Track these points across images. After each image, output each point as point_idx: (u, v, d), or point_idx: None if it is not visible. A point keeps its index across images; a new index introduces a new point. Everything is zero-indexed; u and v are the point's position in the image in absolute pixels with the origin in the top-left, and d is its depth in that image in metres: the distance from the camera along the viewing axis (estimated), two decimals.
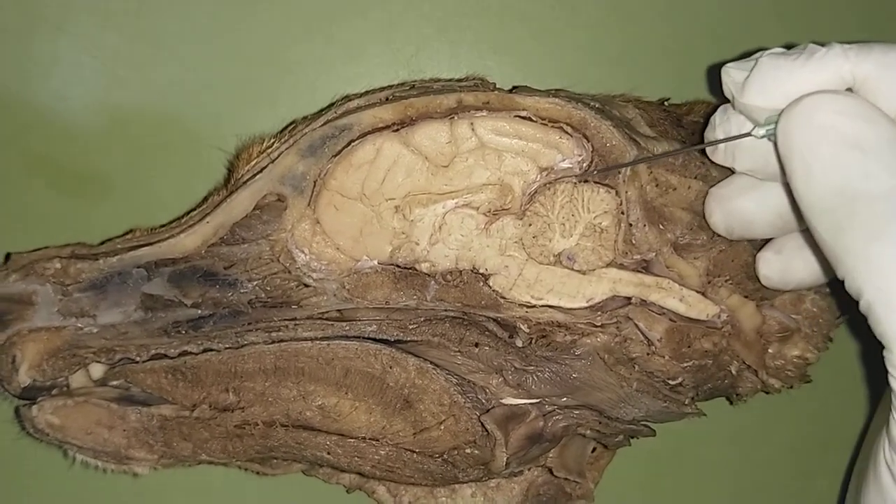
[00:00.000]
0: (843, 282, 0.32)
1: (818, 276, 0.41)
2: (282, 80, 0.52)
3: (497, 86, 0.43)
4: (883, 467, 0.33)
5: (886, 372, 0.31)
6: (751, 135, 0.36)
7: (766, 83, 0.35)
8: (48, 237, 0.46)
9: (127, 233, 0.45)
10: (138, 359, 0.43)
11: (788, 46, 0.36)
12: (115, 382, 0.44)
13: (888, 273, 0.30)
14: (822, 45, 0.34)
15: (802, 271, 0.41)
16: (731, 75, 0.36)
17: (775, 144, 0.34)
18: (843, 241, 0.31)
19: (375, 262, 0.42)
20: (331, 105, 0.44)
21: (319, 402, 0.43)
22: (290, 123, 0.45)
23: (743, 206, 0.39)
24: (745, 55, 0.37)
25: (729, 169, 0.40)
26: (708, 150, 0.39)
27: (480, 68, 0.52)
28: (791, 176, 0.33)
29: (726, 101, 0.38)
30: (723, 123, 0.38)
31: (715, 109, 0.39)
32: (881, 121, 0.32)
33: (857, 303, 0.32)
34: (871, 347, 0.32)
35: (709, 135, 0.39)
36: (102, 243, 0.44)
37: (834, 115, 0.32)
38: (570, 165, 0.41)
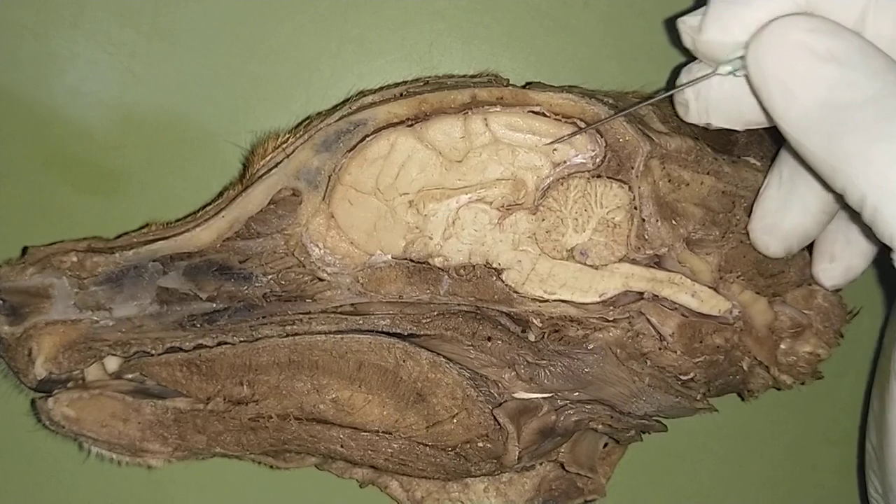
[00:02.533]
0: (842, 196, 0.32)
1: (870, 256, 0.42)
2: (296, 76, 0.53)
3: (510, 82, 0.44)
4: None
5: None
6: (717, 73, 0.36)
7: (722, 18, 0.35)
8: (64, 232, 0.47)
9: (142, 227, 0.45)
10: (153, 352, 0.43)
11: None
12: (130, 375, 0.45)
13: (891, 171, 0.30)
14: None
15: (859, 261, 0.42)
16: (687, 22, 0.37)
17: (747, 77, 0.35)
18: (840, 151, 0.32)
19: (389, 257, 0.42)
20: (345, 101, 0.44)
21: (333, 396, 0.43)
22: (305, 119, 0.46)
23: (793, 224, 0.40)
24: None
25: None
26: (680, 111, 0.40)
27: (493, 64, 0.52)
28: (770, 101, 0.33)
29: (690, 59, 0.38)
30: (688, 78, 0.38)
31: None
32: (846, 33, 0.32)
33: (859, 215, 0.32)
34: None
35: (676, 96, 0.39)
36: (118, 237, 0.44)
37: (803, 33, 0.32)
38: (584, 161, 0.41)
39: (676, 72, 0.40)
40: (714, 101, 0.38)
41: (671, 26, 0.38)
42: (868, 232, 0.33)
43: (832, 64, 0.32)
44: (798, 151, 0.34)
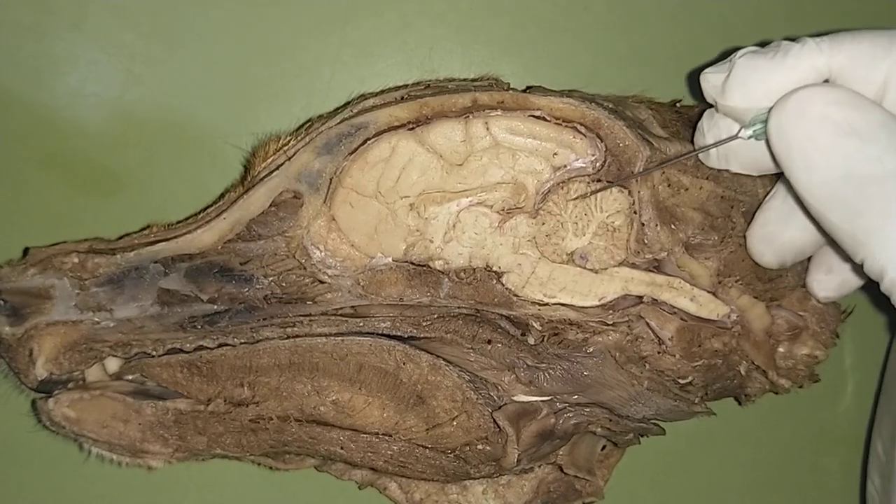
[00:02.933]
0: (861, 265, 0.33)
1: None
2: (297, 78, 0.53)
3: (511, 86, 0.44)
4: None
5: None
6: (738, 137, 0.36)
7: (745, 84, 0.36)
8: (65, 234, 0.47)
9: (144, 228, 0.45)
10: (154, 353, 0.43)
11: (761, 44, 0.37)
12: (130, 376, 0.45)
13: None
14: (794, 40, 0.35)
15: (855, 277, 0.42)
16: (710, 80, 0.37)
17: (768, 143, 0.35)
18: (860, 224, 0.32)
19: (390, 260, 0.43)
20: (347, 104, 0.44)
21: (333, 398, 0.43)
22: (307, 122, 0.46)
23: (790, 238, 0.40)
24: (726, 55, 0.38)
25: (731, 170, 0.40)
26: (701, 156, 0.40)
27: (493, 68, 0.52)
28: (791, 170, 0.34)
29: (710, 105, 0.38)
30: (711, 128, 0.39)
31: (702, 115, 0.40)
32: (869, 106, 0.33)
33: (877, 284, 0.33)
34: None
35: (698, 140, 0.40)
36: (120, 239, 0.45)
37: (826, 105, 0.33)
38: (584, 165, 0.41)
39: (694, 78, 0.40)
40: (734, 153, 0.39)
41: (694, 77, 0.39)
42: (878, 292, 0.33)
43: (854, 137, 0.32)
44: (817, 219, 0.34)
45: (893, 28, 0.34)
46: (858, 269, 0.41)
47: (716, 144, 0.38)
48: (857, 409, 0.58)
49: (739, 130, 0.36)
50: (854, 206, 0.32)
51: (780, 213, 0.40)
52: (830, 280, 0.43)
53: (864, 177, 0.32)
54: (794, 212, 0.39)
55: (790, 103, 0.34)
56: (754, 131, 0.36)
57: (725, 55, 0.38)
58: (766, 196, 0.42)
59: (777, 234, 0.41)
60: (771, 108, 0.35)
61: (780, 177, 0.41)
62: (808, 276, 0.44)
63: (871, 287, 0.34)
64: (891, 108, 0.34)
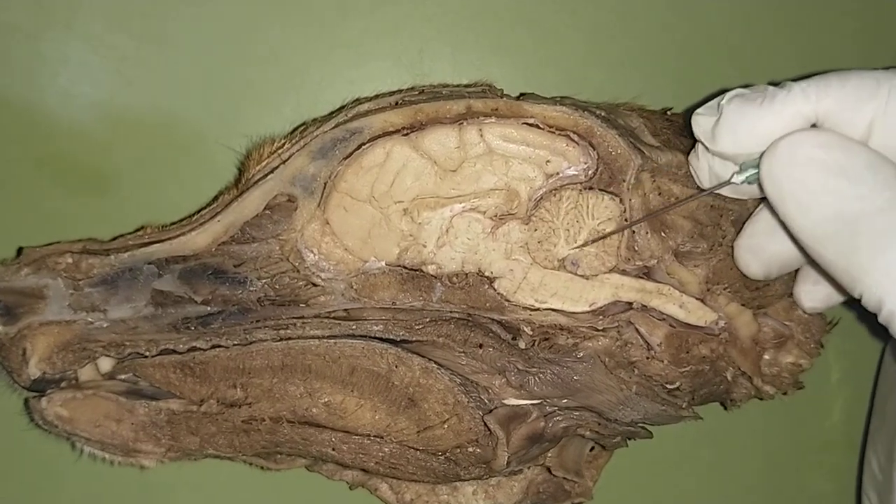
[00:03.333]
0: (859, 299, 0.34)
1: None
2: (287, 80, 0.53)
3: (505, 92, 0.44)
4: None
5: None
6: (731, 182, 0.38)
7: (733, 131, 0.37)
8: (58, 234, 0.47)
9: (138, 230, 0.45)
10: (147, 353, 0.43)
11: (747, 85, 0.38)
12: (123, 376, 0.45)
13: None
14: (780, 85, 0.36)
15: (842, 289, 0.43)
16: (700, 124, 0.38)
17: (760, 186, 0.36)
18: (855, 260, 0.33)
19: (383, 264, 0.43)
20: (341, 108, 0.44)
21: (325, 400, 0.44)
22: (301, 125, 0.46)
23: (777, 250, 0.41)
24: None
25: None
26: (696, 181, 0.41)
27: (483, 72, 0.53)
28: (785, 213, 0.35)
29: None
30: (700, 168, 0.40)
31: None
32: (855, 147, 0.34)
33: (875, 315, 0.33)
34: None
35: (692, 161, 0.41)
36: (114, 239, 0.45)
37: (814, 148, 0.34)
38: (576, 172, 0.42)
39: (688, 118, 0.41)
40: (726, 190, 0.40)
41: (688, 114, 0.40)
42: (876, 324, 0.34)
43: (842, 177, 0.33)
44: (813, 258, 0.35)
45: (881, 69, 0.35)
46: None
47: (712, 189, 0.40)
48: (845, 419, 0.59)
49: (732, 175, 0.38)
50: (846, 243, 0.33)
51: (768, 225, 0.41)
52: (817, 291, 0.44)
53: (854, 214, 0.33)
54: (777, 226, 0.40)
55: (779, 149, 0.35)
56: (747, 177, 0.37)
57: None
58: (755, 206, 0.42)
59: (764, 245, 0.41)
60: (762, 155, 0.36)
61: None
62: (795, 286, 0.44)
63: (869, 318, 0.35)
64: (876, 149, 0.35)
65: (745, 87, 0.38)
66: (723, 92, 0.38)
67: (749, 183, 0.37)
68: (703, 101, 0.39)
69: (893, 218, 0.32)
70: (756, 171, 0.36)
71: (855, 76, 0.35)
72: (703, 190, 0.41)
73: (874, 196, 0.33)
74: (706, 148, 0.39)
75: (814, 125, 0.36)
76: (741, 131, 0.36)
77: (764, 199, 0.41)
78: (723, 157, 0.38)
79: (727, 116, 0.37)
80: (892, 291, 0.32)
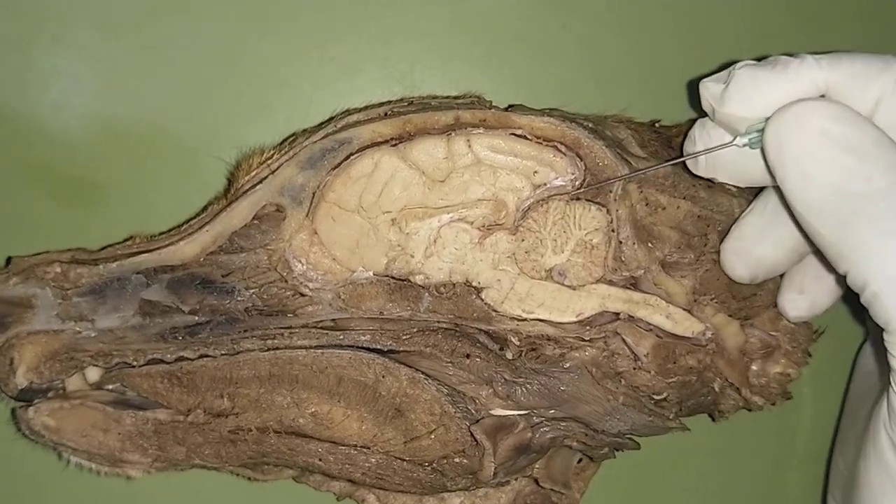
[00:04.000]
0: (845, 276, 0.34)
1: (837, 294, 0.44)
2: (278, 92, 0.53)
3: (493, 104, 0.45)
4: (883, 436, 0.35)
5: (887, 352, 0.34)
6: (733, 144, 0.37)
7: (745, 93, 0.37)
8: (47, 244, 0.46)
9: (126, 240, 0.45)
10: (135, 363, 0.43)
11: (759, 59, 0.38)
12: (111, 386, 0.45)
13: (894, 264, 0.32)
14: (793, 55, 0.36)
15: (826, 297, 0.44)
16: (710, 88, 0.38)
17: (763, 151, 0.36)
18: (848, 238, 0.33)
19: (371, 274, 0.43)
20: (330, 119, 0.45)
21: (312, 410, 0.44)
22: (290, 136, 0.46)
23: (764, 254, 0.41)
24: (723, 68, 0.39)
25: (716, 190, 0.41)
26: (689, 163, 0.41)
27: (473, 84, 0.53)
28: (785, 180, 0.35)
29: (704, 115, 0.39)
30: (702, 137, 0.40)
31: (692, 124, 0.40)
32: (865, 124, 0.34)
33: (857, 295, 0.34)
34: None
35: (688, 148, 0.41)
36: (102, 249, 0.45)
37: (824, 120, 0.34)
38: (564, 183, 0.42)
39: (693, 90, 0.41)
40: (723, 162, 0.40)
41: (693, 86, 0.40)
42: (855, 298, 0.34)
43: (849, 153, 0.33)
44: (806, 230, 0.35)
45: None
46: (830, 288, 0.42)
47: (709, 150, 0.39)
48: (826, 426, 0.59)
49: (735, 138, 0.37)
50: (842, 220, 0.33)
51: (756, 228, 0.41)
52: (802, 300, 0.44)
53: (854, 193, 0.33)
54: (769, 228, 0.40)
55: (789, 114, 0.35)
56: (750, 139, 0.37)
57: (705, 74, 0.39)
58: (741, 213, 0.42)
59: (750, 249, 0.41)
60: (769, 118, 0.36)
61: (758, 194, 0.42)
62: (779, 295, 0.45)
63: (852, 297, 0.35)
64: (880, 126, 0.35)
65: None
66: (721, 68, 0.38)
67: (751, 147, 0.37)
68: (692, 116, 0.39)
69: (894, 202, 0.33)
70: (759, 135, 0.36)
71: (865, 55, 0.36)
72: (697, 153, 0.40)
73: (879, 177, 0.33)
74: (710, 117, 0.39)
75: (822, 97, 0.36)
76: (751, 93, 0.36)
77: (754, 197, 0.41)
78: (727, 122, 0.38)
79: (739, 79, 0.37)
80: (878, 275, 0.33)
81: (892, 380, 0.34)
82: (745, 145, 0.37)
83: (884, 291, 0.33)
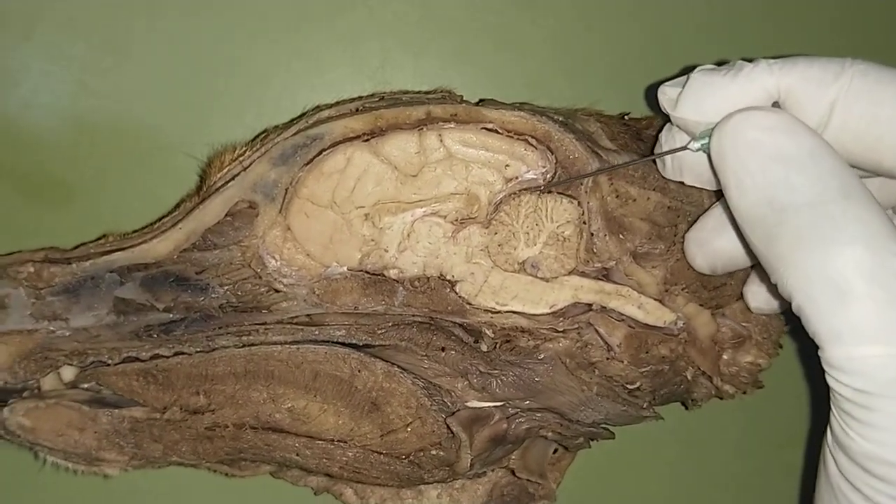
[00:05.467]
0: (776, 286, 0.34)
1: None
2: (249, 89, 0.53)
3: (464, 98, 0.45)
4: (830, 462, 0.35)
5: (823, 370, 0.33)
6: (687, 148, 0.38)
7: (697, 98, 0.37)
8: (19, 244, 0.46)
9: (99, 238, 0.45)
10: (110, 362, 0.43)
11: (720, 63, 0.38)
12: (86, 385, 0.45)
13: (813, 278, 0.32)
14: (750, 60, 0.36)
15: None
16: (666, 93, 0.39)
17: (709, 158, 0.36)
18: (774, 250, 0.33)
19: (345, 269, 0.43)
20: (302, 115, 0.45)
21: (289, 405, 0.44)
22: (262, 132, 0.46)
23: (722, 247, 0.41)
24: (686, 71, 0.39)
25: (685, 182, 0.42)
26: (658, 165, 0.41)
27: (443, 79, 0.53)
28: (725, 188, 0.35)
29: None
30: (668, 140, 0.40)
31: (650, 126, 0.41)
32: (803, 134, 0.34)
33: (790, 305, 0.34)
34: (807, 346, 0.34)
35: (656, 150, 0.41)
36: (75, 248, 0.45)
37: (759, 130, 0.34)
38: (535, 176, 0.42)
39: (652, 93, 0.41)
40: (688, 165, 0.40)
41: (652, 90, 0.40)
42: None
43: (779, 164, 0.33)
44: (745, 237, 0.35)
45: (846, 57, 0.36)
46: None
47: (666, 153, 0.40)
48: (799, 413, 0.60)
49: (689, 142, 0.38)
50: (770, 231, 0.33)
51: (718, 221, 0.41)
52: (761, 292, 0.44)
53: (783, 204, 0.33)
54: (726, 224, 0.40)
55: (728, 125, 0.35)
56: (702, 144, 0.37)
57: (672, 67, 0.39)
58: (710, 205, 0.43)
59: (710, 240, 0.42)
60: (715, 126, 0.36)
61: None
62: (745, 286, 0.45)
63: (787, 306, 0.35)
64: (834, 131, 0.35)
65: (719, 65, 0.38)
66: (689, 69, 0.38)
67: (704, 151, 0.37)
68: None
69: (818, 214, 0.32)
70: (709, 141, 0.36)
71: (822, 59, 0.35)
72: (657, 154, 0.41)
73: (807, 188, 0.33)
74: (669, 119, 0.39)
75: (776, 104, 0.36)
76: (703, 98, 0.37)
77: (719, 194, 0.41)
78: (684, 127, 0.38)
79: (692, 84, 0.37)
80: (801, 286, 0.32)
81: (832, 399, 0.34)
82: (698, 149, 0.37)
83: (806, 305, 0.32)
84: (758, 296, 0.44)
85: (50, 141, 0.51)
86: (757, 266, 0.43)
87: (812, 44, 0.57)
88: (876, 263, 0.31)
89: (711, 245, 0.42)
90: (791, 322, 0.47)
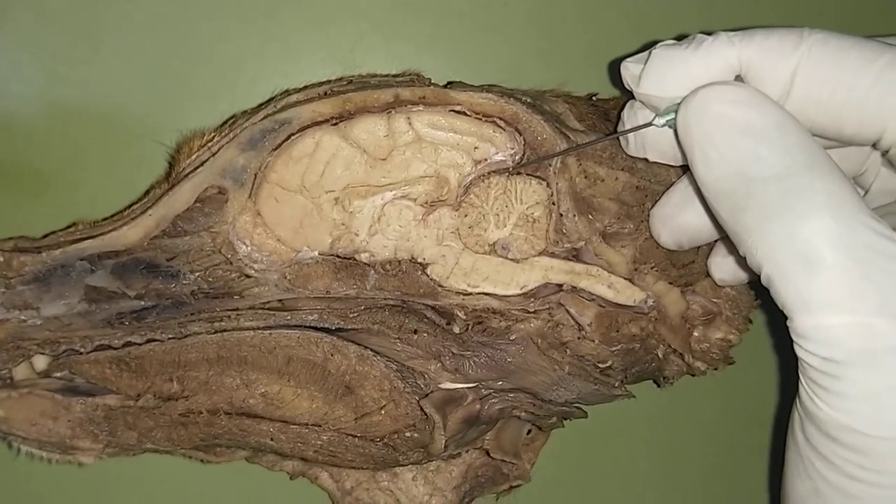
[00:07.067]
0: (745, 258, 0.34)
1: None
2: (221, 75, 0.53)
3: (432, 81, 0.45)
4: (798, 432, 0.35)
5: (791, 340, 0.34)
6: (652, 124, 0.38)
7: (659, 74, 0.37)
8: None
9: (69, 226, 0.45)
10: (82, 350, 0.43)
11: (681, 38, 0.38)
12: (58, 374, 0.45)
13: (781, 248, 0.32)
14: (710, 34, 0.37)
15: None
16: (629, 69, 0.39)
17: (675, 134, 0.36)
18: (742, 221, 0.34)
19: (316, 253, 0.43)
20: (270, 100, 0.44)
21: (262, 390, 0.44)
22: (231, 118, 0.46)
23: (686, 221, 0.42)
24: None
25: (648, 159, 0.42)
26: (621, 142, 0.42)
27: (416, 64, 0.53)
28: (692, 163, 0.36)
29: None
30: (630, 118, 0.40)
31: (619, 107, 0.41)
32: (768, 106, 0.34)
33: (759, 277, 0.34)
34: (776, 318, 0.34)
35: (619, 128, 0.41)
36: (45, 237, 0.44)
37: (725, 104, 0.34)
38: (504, 158, 0.42)
39: (615, 69, 0.41)
40: (651, 142, 0.40)
41: (615, 66, 0.40)
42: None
43: (748, 136, 0.34)
44: (713, 212, 0.36)
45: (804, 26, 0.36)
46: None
47: (631, 130, 0.40)
48: (769, 390, 0.60)
49: (654, 118, 0.38)
50: (739, 203, 0.34)
51: (682, 196, 0.41)
52: (726, 264, 0.44)
53: (751, 176, 0.33)
54: (694, 198, 0.41)
55: (694, 100, 0.35)
56: (667, 120, 0.37)
57: (643, 49, 0.39)
58: None
59: (674, 215, 0.42)
60: (680, 102, 0.36)
61: None
62: (709, 257, 0.45)
63: (756, 280, 0.35)
64: (796, 101, 0.35)
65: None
66: (652, 45, 0.38)
67: (669, 127, 0.37)
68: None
69: (786, 186, 0.33)
70: (675, 116, 0.36)
71: (781, 30, 0.36)
72: (621, 132, 0.41)
73: (774, 160, 0.33)
74: (632, 95, 0.39)
75: (738, 77, 0.36)
76: (665, 74, 0.37)
77: (685, 170, 0.42)
78: (647, 102, 0.38)
79: (654, 59, 0.37)
80: (769, 256, 0.33)
81: (800, 368, 0.34)
82: (663, 125, 0.37)
83: (774, 275, 0.33)
84: (722, 266, 0.45)
85: (19, 129, 0.51)
86: (723, 239, 0.43)
87: (779, 15, 0.57)
88: (843, 233, 0.32)
89: (676, 220, 0.42)
90: (760, 296, 0.48)
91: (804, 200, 0.32)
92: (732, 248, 0.39)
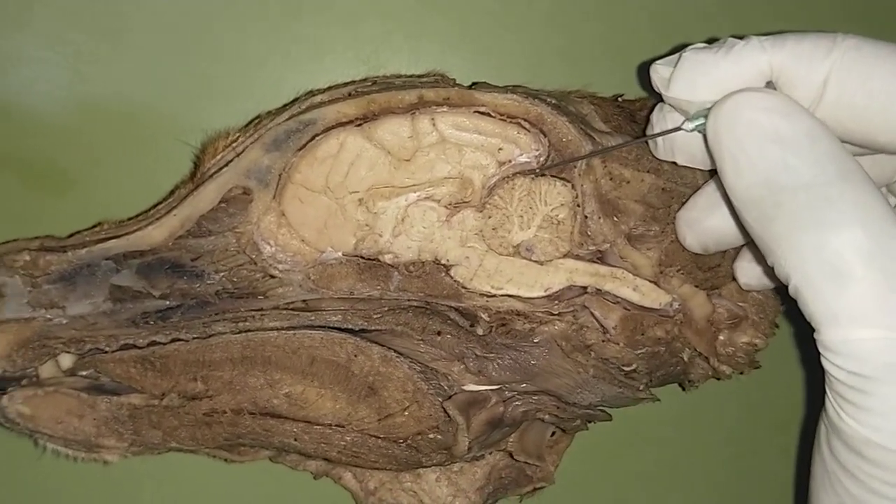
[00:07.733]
0: (773, 268, 0.34)
1: None
2: (246, 75, 0.53)
3: (457, 82, 0.45)
4: (824, 446, 0.35)
5: (819, 353, 0.33)
6: (681, 129, 0.37)
7: (689, 78, 0.37)
8: (15, 232, 0.46)
9: (95, 226, 0.45)
10: (107, 349, 0.43)
11: (711, 41, 0.38)
12: (84, 372, 0.45)
13: (810, 260, 0.32)
14: (741, 37, 0.36)
15: None
16: (659, 72, 0.38)
17: (705, 139, 0.36)
18: (771, 231, 0.33)
19: (340, 254, 0.43)
20: (295, 100, 0.44)
21: (286, 391, 0.44)
22: (255, 118, 0.46)
23: (713, 225, 0.41)
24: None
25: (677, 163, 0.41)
26: (651, 146, 0.41)
27: (440, 64, 0.53)
28: (721, 170, 0.35)
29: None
30: (660, 121, 0.40)
31: (644, 108, 0.41)
32: (800, 115, 0.34)
33: (786, 287, 0.33)
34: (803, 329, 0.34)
35: (648, 131, 0.41)
36: (71, 236, 0.45)
37: (756, 111, 0.34)
38: (528, 160, 0.42)
39: (645, 71, 0.41)
40: (680, 146, 0.40)
41: (643, 69, 0.40)
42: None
43: (777, 145, 0.33)
44: (740, 219, 0.35)
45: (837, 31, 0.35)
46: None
47: (660, 134, 0.39)
48: (796, 394, 0.60)
49: (683, 122, 0.37)
50: (768, 211, 0.33)
51: (710, 200, 0.41)
52: (753, 269, 0.44)
53: (781, 185, 0.33)
54: (721, 202, 0.40)
55: (725, 106, 0.35)
56: (697, 125, 0.37)
57: (671, 51, 0.39)
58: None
59: (701, 219, 0.42)
60: (711, 106, 0.35)
61: None
62: (735, 261, 0.45)
63: (782, 288, 0.35)
64: (828, 107, 0.35)
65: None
66: (681, 48, 0.38)
67: (699, 132, 0.37)
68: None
69: (815, 196, 0.32)
70: (705, 121, 0.36)
71: (813, 35, 0.35)
72: (650, 136, 0.40)
73: (804, 170, 0.33)
74: (660, 98, 0.39)
75: (770, 83, 0.36)
76: (695, 77, 0.36)
77: (712, 174, 0.41)
78: (677, 106, 0.38)
79: (684, 63, 0.37)
80: (798, 268, 0.32)
81: (827, 382, 0.34)
82: (692, 130, 0.37)
83: (803, 287, 0.32)
84: (748, 271, 0.44)
85: (45, 129, 0.51)
86: (748, 244, 0.43)
87: (809, 20, 0.57)
88: (874, 246, 0.31)
89: (702, 224, 0.42)
90: (787, 303, 0.47)
91: (834, 211, 0.32)
92: (759, 256, 0.38)
